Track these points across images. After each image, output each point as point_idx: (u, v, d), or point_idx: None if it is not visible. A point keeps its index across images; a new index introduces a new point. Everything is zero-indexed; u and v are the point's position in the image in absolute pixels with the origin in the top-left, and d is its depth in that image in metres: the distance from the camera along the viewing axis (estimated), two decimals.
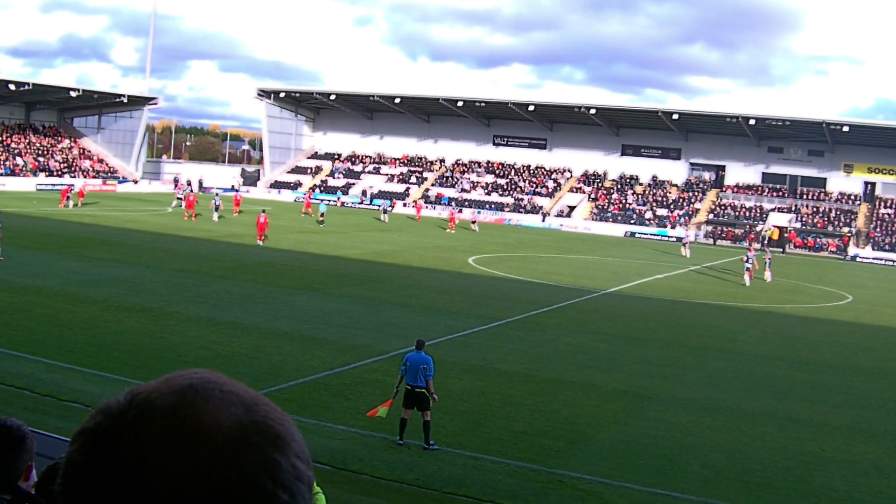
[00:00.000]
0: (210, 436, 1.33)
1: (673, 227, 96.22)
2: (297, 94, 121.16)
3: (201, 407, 1.36)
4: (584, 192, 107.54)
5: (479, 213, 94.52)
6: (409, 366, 18.02)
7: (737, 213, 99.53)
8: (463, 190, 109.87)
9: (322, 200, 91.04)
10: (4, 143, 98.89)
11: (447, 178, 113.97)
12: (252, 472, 1.33)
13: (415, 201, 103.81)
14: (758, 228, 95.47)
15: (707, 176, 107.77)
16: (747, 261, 53.44)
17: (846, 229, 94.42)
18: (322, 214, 73.63)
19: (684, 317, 38.76)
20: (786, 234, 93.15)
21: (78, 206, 69.65)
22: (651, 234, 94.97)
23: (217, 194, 76.08)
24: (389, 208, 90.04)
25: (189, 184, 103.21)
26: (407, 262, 50.19)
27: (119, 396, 1.40)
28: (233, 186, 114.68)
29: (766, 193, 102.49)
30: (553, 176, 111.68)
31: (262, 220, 54.32)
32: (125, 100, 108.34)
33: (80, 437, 1.38)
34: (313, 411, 19.42)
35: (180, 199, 77.40)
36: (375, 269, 45.49)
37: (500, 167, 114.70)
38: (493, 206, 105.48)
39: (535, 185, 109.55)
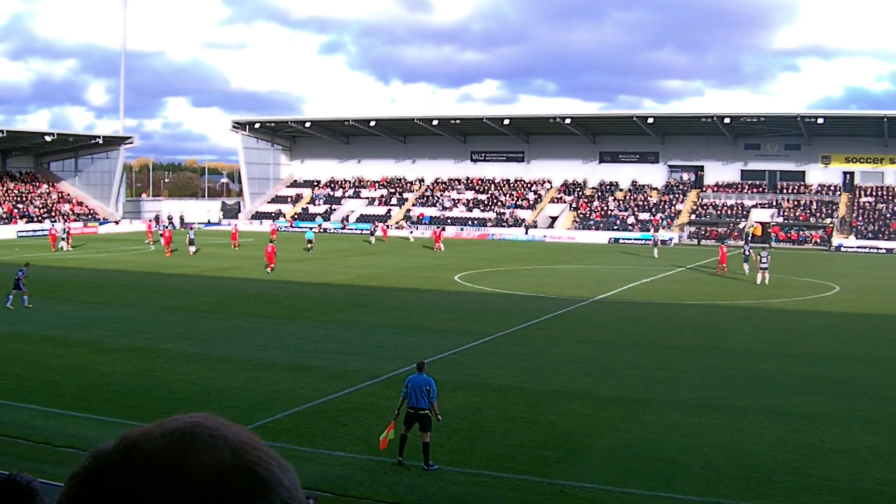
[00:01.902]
0: (191, 480, 1.32)
1: (656, 231, 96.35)
2: (273, 124, 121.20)
3: (187, 451, 1.35)
4: (565, 202, 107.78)
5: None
6: (411, 388, 17.87)
7: (718, 212, 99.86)
8: (444, 208, 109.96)
9: (310, 228, 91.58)
10: None
11: (427, 197, 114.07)
12: None
13: (381, 225, 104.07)
14: (740, 226, 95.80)
15: (686, 177, 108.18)
16: (762, 261, 53.33)
17: (828, 220, 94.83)
18: (310, 242, 73.93)
19: (674, 319, 38.79)
20: (769, 230, 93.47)
21: (61, 251, 69.49)
22: (635, 239, 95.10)
23: (191, 229, 76.74)
24: (374, 230, 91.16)
25: (170, 220, 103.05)
26: (394, 283, 50.14)
27: (112, 440, 1.41)
28: (208, 221, 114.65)
29: (746, 190, 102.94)
30: (533, 188, 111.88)
31: (270, 249, 55.30)
32: (100, 141, 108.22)
33: (69, 480, 1.40)
34: (310, 439, 19.34)
35: (161, 234, 77.78)
36: (363, 293, 45.43)
37: (480, 183, 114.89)
38: (475, 221, 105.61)
39: (515, 199, 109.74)
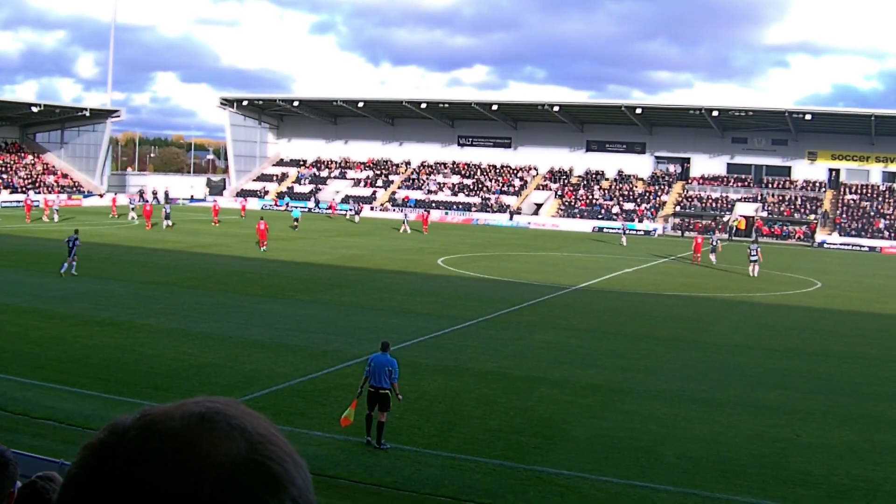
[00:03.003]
0: (203, 469, 1.29)
1: (640, 221, 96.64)
2: (261, 102, 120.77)
3: (203, 438, 1.32)
4: (550, 190, 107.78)
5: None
6: (374, 367, 18.06)
7: (703, 205, 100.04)
8: (430, 191, 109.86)
9: (298, 206, 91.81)
10: None
11: (413, 180, 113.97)
12: None
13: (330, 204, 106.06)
14: (725, 219, 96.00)
15: (672, 169, 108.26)
16: (752, 253, 53.54)
17: (812, 216, 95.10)
18: (296, 220, 75.06)
19: (655, 309, 38.87)
20: (753, 224, 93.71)
21: (42, 221, 69.34)
22: (619, 229, 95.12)
23: (168, 203, 77.72)
24: (359, 210, 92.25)
25: (155, 194, 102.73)
26: (376, 265, 50.08)
27: (132, 415, 1.38)
28: (192, 196, 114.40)
29: (731, 184, 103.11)
30: (519, 174, 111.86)
31: (262, 226, 55.47)
32: (87, 113, 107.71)
33: (83, 450, 1.37)
34: (288, 418, 19.31)
35: (134, 208, 77.72)
36: (345, 274, 45.39)
37: (466, 167, 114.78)
38: (460, 206, 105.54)
39: (501, 185, 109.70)
